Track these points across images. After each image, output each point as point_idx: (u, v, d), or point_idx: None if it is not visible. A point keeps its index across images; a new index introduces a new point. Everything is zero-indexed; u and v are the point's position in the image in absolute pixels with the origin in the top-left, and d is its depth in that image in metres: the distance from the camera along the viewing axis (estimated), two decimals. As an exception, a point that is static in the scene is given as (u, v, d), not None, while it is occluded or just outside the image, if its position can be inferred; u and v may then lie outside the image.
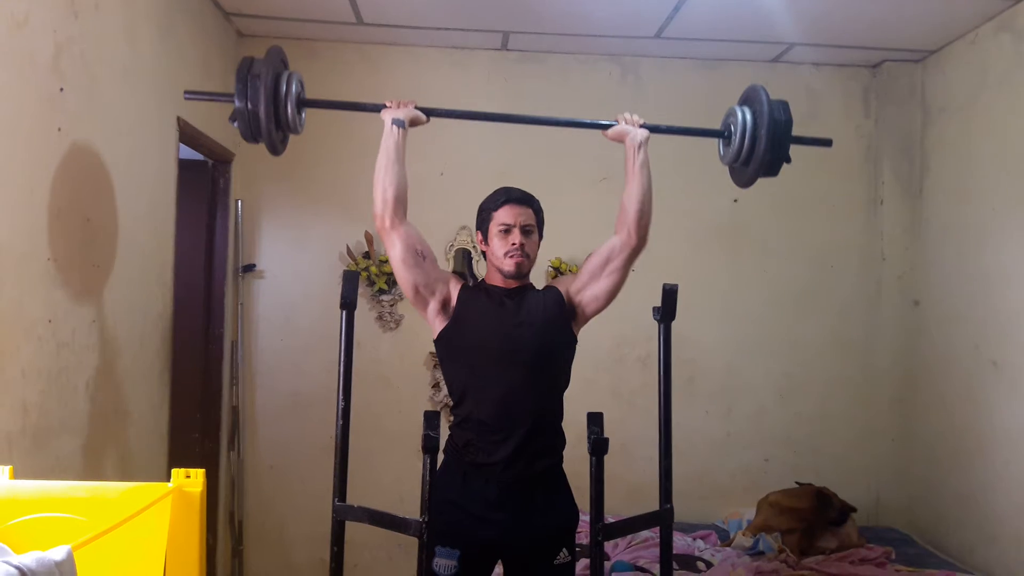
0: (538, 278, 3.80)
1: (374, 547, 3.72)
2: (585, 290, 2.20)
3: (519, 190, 2.25)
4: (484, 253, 2.29)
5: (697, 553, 3.36)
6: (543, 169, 3.87)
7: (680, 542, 3.40)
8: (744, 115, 2.17)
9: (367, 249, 3.79)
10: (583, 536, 2.62)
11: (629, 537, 3.37)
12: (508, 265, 2.17)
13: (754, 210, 3.96)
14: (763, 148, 2.13)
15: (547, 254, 3.82)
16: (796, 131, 2.27)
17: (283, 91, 2.10)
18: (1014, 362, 3.21)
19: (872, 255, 4.00)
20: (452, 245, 3.85)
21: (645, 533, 3.33)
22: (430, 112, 2.21)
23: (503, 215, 2.18)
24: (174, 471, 1.57)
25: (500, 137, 3.89)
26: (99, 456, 2.36)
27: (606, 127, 2.24)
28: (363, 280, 3.77)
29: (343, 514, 2.03)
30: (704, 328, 3.87)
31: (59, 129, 2.10)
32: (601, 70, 3.96)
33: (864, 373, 4.00)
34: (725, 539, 3.58)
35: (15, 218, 1.91)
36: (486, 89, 3.92)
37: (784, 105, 2.17)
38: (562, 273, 3.83)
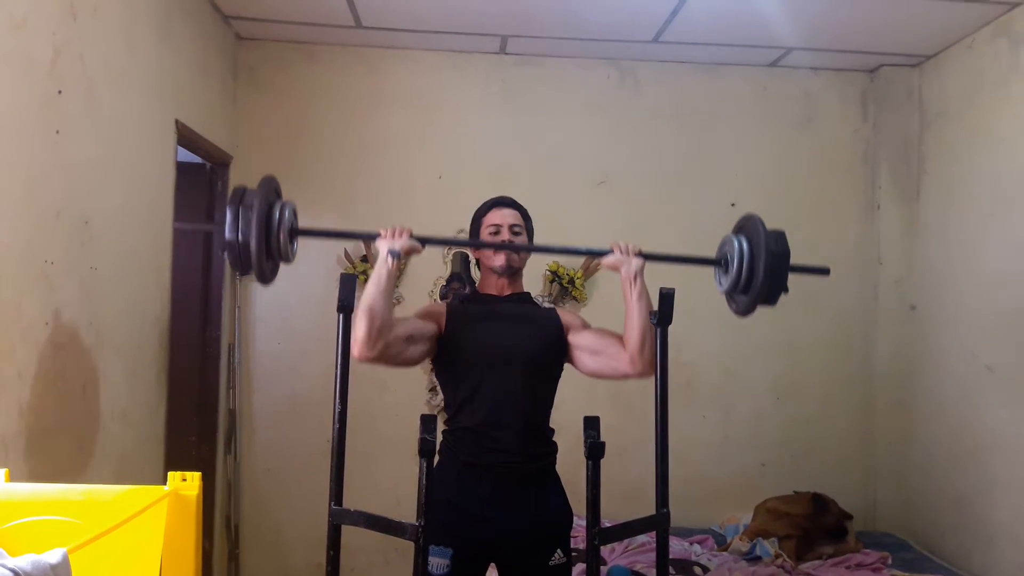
0: (535, 282, 3.83)
1: (371, 551, 3.71)
2: (580, 352, 2.23)
3: (507, 197, 2.34)
4: (478, 262, 2.36)
5: (694, 558, 3.35)
6: (541, 173, 3.87)
7: (677, 547, 3.40)
8: (740, 246, 2.15)
9: (364, 252, 3.79)
10: (579, 540, 2.62)
11: (626, 541, 3.37)
12: (498, 261, 2.23)
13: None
14: (760, 280, 2.11)
15: (545, 258, 3.82)
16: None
17: (276, 220, 2.01)
18: (1010, 367, 3.21)
19: (869, 259, 4.01)
20: (450, 248, 3.85)
21: (642, 538, 3.33)
22: (426, 241, 2.14)
23: (492, 217, 2.28)
24: (170, 474, 1.57)
25: (498, 141, 3.90)
26: (95, 459, 2.36)
27: (602, 254, 2.21)
28: (360, 283, 3.76)
29: (339, 518, 2.03)
30: (701, 332, 3.87)
31: (57, 131, 2.10)
32: (599, 74, 3.97)
33: (861, 377, 4.00)
34: (722, 544, 3.58)
35: (13, 220, 1.91)
36: (484, 92, 3.93)
37: (781, 236, 2.15)
38: (559, 277, 3.83)
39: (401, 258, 2.09)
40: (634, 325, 2.13)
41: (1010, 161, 3.23)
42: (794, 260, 1.98)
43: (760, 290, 2.11)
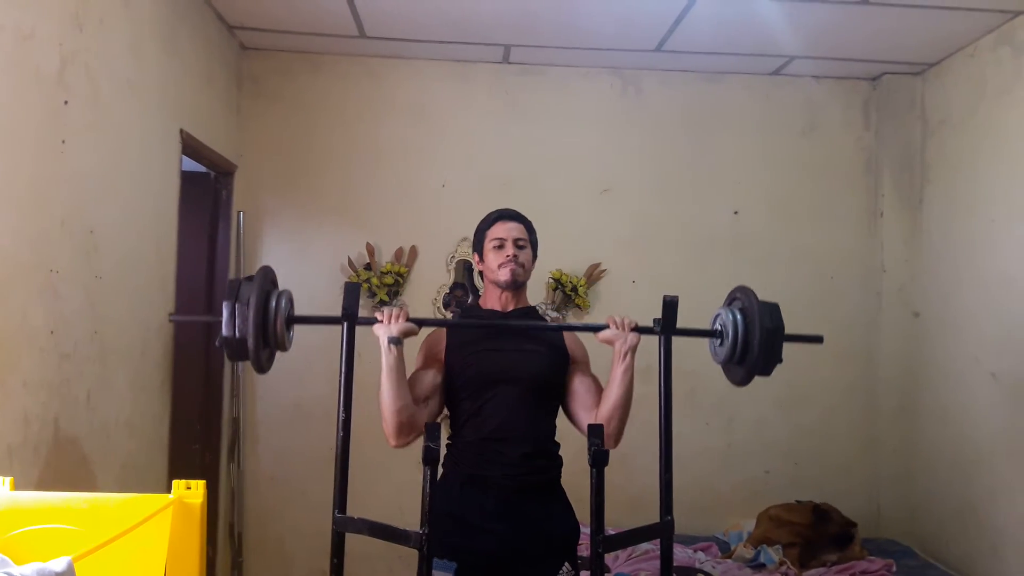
0: (538, 290, 3.83)
1: (374, 559, 3.70)
2: (570, 397, 2.23)
3: (511, 209, 2.33)
4: (482, 274, 2.34)
5: (698, 565, 3.34)
6: (545, 182, 3.88)
7: (680, 554, 3.39)
8: (735, 320, 2.18)
9: (368, 260, 3.80)
10: (583, 548, 2.61)
11: (629, 549, 3.36)
12: (503, 275, 2.22)
13: (755, 222, 3.97)
14: (755, 354, 2.15)
15: (548, 266, 3.83)
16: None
17: (272, 310, 2.02)
18: (1014, 373, 3.20)
19: (872, 267, 4.01)
20: (453, 257, 3.86)
21: (645, 545, 3.32)
22: (422, 322, 2.16)
23: (496, 231, 2.26)
24: (175, 482, 1.57)
25: (502, 150, 3.91)
26: (100, 467, 2.36)
27: (597, 329, 2.23)
28: (364, 291, 3.78)
29: (343, 526, 2.03)
30: (704, 340, 3.87)
31: (63, 141, 2.11)
32: (602, 83, 3.98)
33: (865, 384, 3.99)
34: (726, 551, 3.57)
35: (19, 229, 1.92)
36: (487, 102, 3.94)
37: (775, 311, 2.19)
38: (563, 285, 3.83)
39: (401, 343, 2.10)
40: (611, 398, 2.14)
41: (1013, 168, 3.23)
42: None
43: (756, 364, 2.18)
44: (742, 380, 2.22)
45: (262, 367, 2.07)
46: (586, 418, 2.17)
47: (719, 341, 2.24)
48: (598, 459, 1.91)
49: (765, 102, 4.02)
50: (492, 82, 3.95)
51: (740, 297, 2.21)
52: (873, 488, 3.95)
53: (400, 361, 2.10)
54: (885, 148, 3.98)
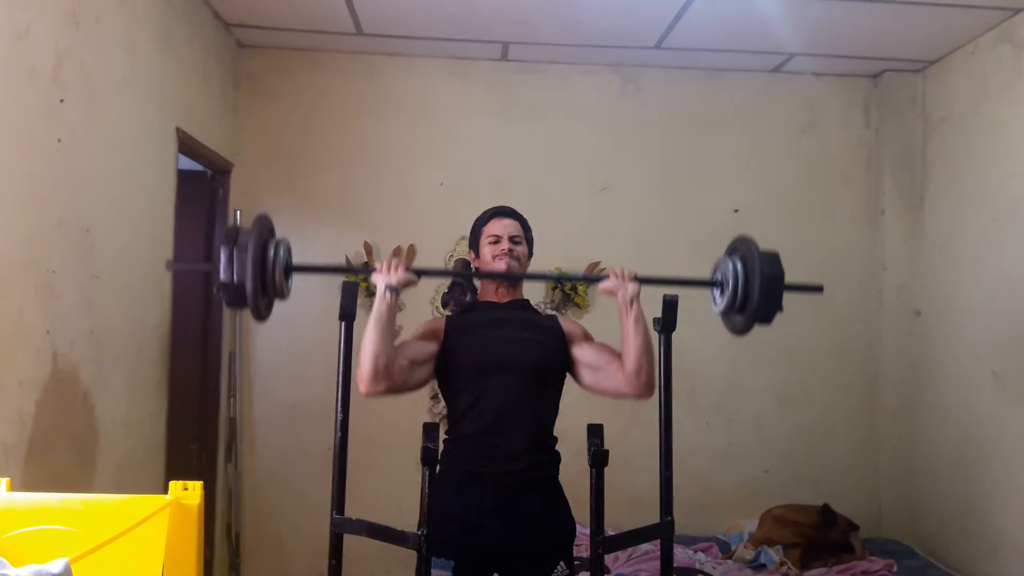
0: (538, 289, 3.82)
1: (372, 560, 3.68)
2: (580, 366, 2.23)
3: (507, 207, 2.34)
4: (478, 270, 2.34)
5: (698, 566, 3.33)
6: (543, 180, 3.87)
7: (681, 555, 3.38)
8: (735, 268, 2.17)
9: (367, 259, 3.79)
10: (583, 549, 2.60)
11: (629, 550, 3.35)
12: (498, 267, 2.22)
13: (755, 220, 3.96)
14: (756, 301, 2.14)
15: (548, 263, 3.81)
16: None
17: (271, 258, 2.01)
18: (1015, 372, 3.19)
19: (873, 265, 4.00)
20: (451, 255, 3.85)
21: (645, 546, 3.31)
22: (422, 272, 2.16)
23: (492, 227, 2.28)
24: (172, 483, 1.56)
25: (500, 147, 3.90)
26: (96, 467, 2.35)
27: (597, 280, 2.22)
28: (362, 291, 3.75)
29: (341, 527, 2.02)
30: (705, 339, 3.84)
31: (59, 140, 2.10)
32: (601, 80, 3.97)
33: (865, 383, 3.98)
34: (726, 552, 3.56)
35: (15, 228, 1.91)
36: (486, 99, 3.93)
37: (775, 259, 2.18)
38: (562, 285, 3.82)
39: (399, 292, 2.09)
40: (631, 349, 2.13)
41: (1014, 166, 3.22)
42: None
43: (756, 311, 2.15)
44: (743, 328, 2.20)
45: (261, 314, 2.06)
46: (613, 371, 2.15)
47: (719, 290, 2.23)
48: (598, 459, 1.90)
49: (765, 100, 4.01)
50: (490, 80, 3.93)
51: (740, 247, 2.20)
52: (874, 487, 3.95)
53: (392, 310, 2.09)
54: (886, 146, 3.97)
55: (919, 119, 3.92)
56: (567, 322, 2.32)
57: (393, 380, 2.07)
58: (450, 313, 3.74)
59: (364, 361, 2.04)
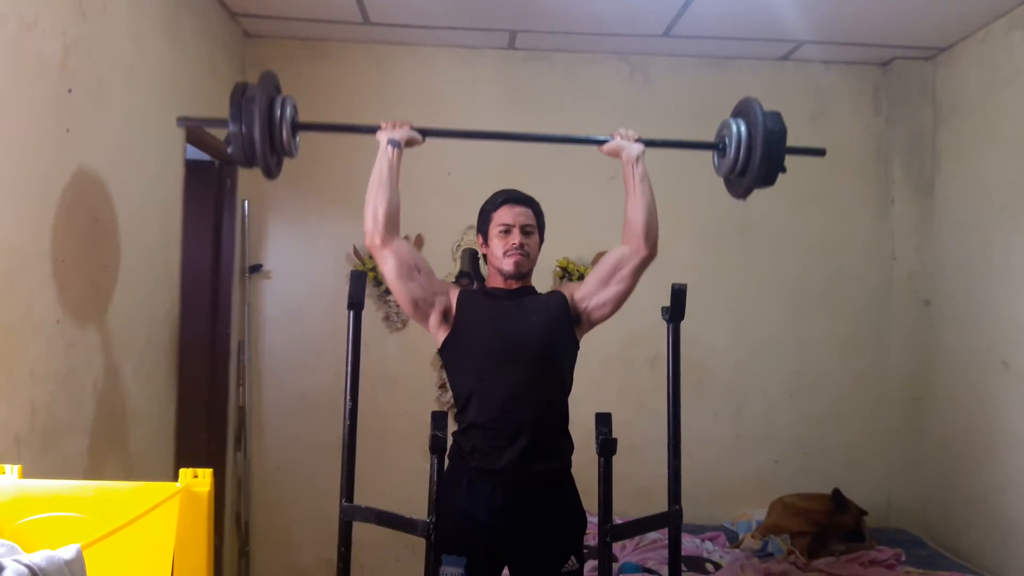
0: (544, 279, 3.81)
1: (381, 548, 3.71)
2: (592, 297, 2.18)
3: (518, 191, 2.27)
4: (485, 256, 2.29)
5: (705, 555, 3.34)
6: (551, 168, 3.85)
7: (688, 543, 3.39)
8: (738, 127, 2.17)
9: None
10: (591, 538, 2.61)
11: (637, 539, 3.36)
12: (507, 265, 2.18)
13: (763, 209, 3.93)
14: (758, 159, 2.13)
15: (554, 254, 3.81)
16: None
17: (277, 114, 2.11)
18: (1026, 362, 3.18)
19: (882, 254, 3.97)
20: (459, 245, 3.85)
21: (653, 535, 3.32)
22: (426, 132, 2.20)
23: (502, 215, 2.20)
24: (182, 471, 1.57)
25: (507, 137, 3.88)
26: (107, 456, 2.36)
27: (601, 143, 2.23)
28: (370, 280, 3.77)
29: (350, 515, 2.03)
30: (713, 328, 3.86)
31: (68, 130, 2.10)
32: (609, 68, 3.95)
33: (874, 373, 3.97)
34: (734, 541, 3.57)
35: (25, 218, 1.91)
36: (493, 88, 3.91)
37: (777, 116, 2.18)
38: (569, 274, 3.82)
39: (401, 148, 2.13)
40: (637, 207, 2.14)
41: (1025, 154, 3.19)
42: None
43: (758, 170, 2.17)
44: (745, 191, 2.23)
45: (271, 171, 2.15)
46: (618, 259, 2.15)
47: (721, 153, 2.24)
48: (606, 448, 1.90)
49: (774, 88, 3.98)
50: (498, 68, 3.92)
51: (743, 106, 2.21)
52: (883, 478, 3.94)
53: (393, 165, 2.11)
54: (895, 134, 3.94)
55: (929, 107, 3.88)
56: (565, 286, 2.29)
57: (398, 248, 2.08)
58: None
59: (366, 213, 2.09)
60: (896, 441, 3.92)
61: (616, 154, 2.20)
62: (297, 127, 2.17)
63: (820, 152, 2.30)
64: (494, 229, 2.21)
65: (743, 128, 2.17)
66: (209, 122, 2.80)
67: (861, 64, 4.00)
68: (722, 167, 2.26)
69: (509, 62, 3.92)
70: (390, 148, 2.11)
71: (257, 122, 2.05)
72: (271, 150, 2.11)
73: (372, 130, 2.20)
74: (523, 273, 2.21)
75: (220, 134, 2.17)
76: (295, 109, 2.17)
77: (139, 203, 2.61)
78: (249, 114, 2.05)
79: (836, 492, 3.53)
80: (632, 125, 3.89)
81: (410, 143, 2.18)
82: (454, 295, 2.20)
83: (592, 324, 2.22)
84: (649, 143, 2.22)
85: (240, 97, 2.06)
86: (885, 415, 3.95)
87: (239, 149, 2.08)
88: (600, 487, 1.91)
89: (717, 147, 2.26)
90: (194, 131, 3.08)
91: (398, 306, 3.81)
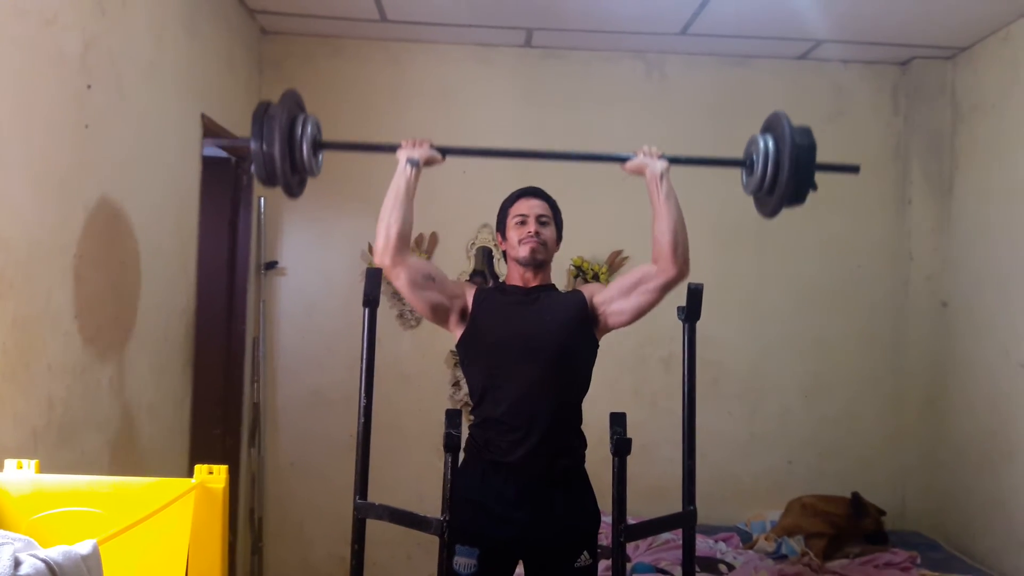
0: (560, 277, 3.80)
1: (394, 545, 3.72)
2: (611, 303, 2.18)
3: (534, 187, 2.30)
4: (504, 254, 2.31)
5: (719, 556, 3.32)
6: (567, 167, 3.83)
7: (702, 544, 3.37)
8: (766, 143, 2.12)
9: (389, 246, 3.79)
10: (604, 537, 2.60)
11: (650, 539, 3.35)
12: (523, 251, 2.19)
13: (779, 209, 3.91)
14: (787, 176, 2.07)
15: (571, 252, 3.80)
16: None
17: (298, 133, 2.08)
18: (1046, 365, 3.14)
19: (900, 255, 3.94)
20: (473, 243, 3.84)
21: (666, 535, 3.30)
22: (446, 150, 2.18)
23: (518, 207, 2.24)
24: (197, 467, 1.57)
25: (524, 134, 3.88)
26: (122, 451, 2.38)
27: (624, 160, 2.20)
28: (385, 278, 3.77)
29: (364, 512, 2.03)
30: (729, 328, 3.83)
31: (87, 126, 2.11)
32: (625, 67, 3.93)
33: (891, 375, 3.94)
34: (747, 541, 3.55)
35: (44, 214, 1.93)
36: (509, 86, 3.91)
37: (807, 131, 2.13)
38: (584, 272, 3.81)
39: (420, 167, 2.12)
40: (665, 225, 2.10)
41: (1047, 155, 3.16)
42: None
43: (786, 187, 2.12)
44: (773, 210, 2.18)
45: (292, 190, 2.14)
46: (645, 274, 2.12)
47: (749, 170, 2.20)
48: (620, 447, 1.90)
49: (792, 87, 3.95)
50: (514, 66, 3.91)
51: (772, 121, 2.17)
52: (898, 480, 3.90)
53: (410, 185, 2.11)
54: (914, 134, 3.91)
55: (948, 107, 3.84)
56: (587, 287, 2.28)
57: (409, 267, 2.08)
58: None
59: (379, 231, 2.08)
60: (911, 443, 3.88)
61: (640, 172, 2.17)
62: (319, 146, 2.14)
63: (854, 169, 2.24)
64: (511, 221, 2.24)
65: (771, 143, 2.12)
66: (234, 140, 2.81)
67: (880, 63, 3.96)
68: (750, 185, 2.22)
69: (525, 60, 3.91)
70: (408, 167, 2.10)
71: (277, 140, 2.03)
72: (292, 169, 2.09)
73: (392, 149, 2.17)
74: (539, 261, 2.21)
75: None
76: (317, 127, 2.14)
77: (157, 199, 2.62)
78: (270, 132, 2.03)
79: (855, 496, 3.50)
80: (649, 123, 3.92)
81: (429, 162, 2.16)
82: (470, 294, 2.21)
83: (608, 329, 2.22)
84: (674, 160, 2.18)
85: (262, 115, 2.05)
86: (900, 417, 3.92)
87: (260, 168, 2.07)
88: (614, 487, 1.90)
89: (744, 164, 2.21)
90: (211, 127, 3.09)
91: (412, 303, 3.82)
